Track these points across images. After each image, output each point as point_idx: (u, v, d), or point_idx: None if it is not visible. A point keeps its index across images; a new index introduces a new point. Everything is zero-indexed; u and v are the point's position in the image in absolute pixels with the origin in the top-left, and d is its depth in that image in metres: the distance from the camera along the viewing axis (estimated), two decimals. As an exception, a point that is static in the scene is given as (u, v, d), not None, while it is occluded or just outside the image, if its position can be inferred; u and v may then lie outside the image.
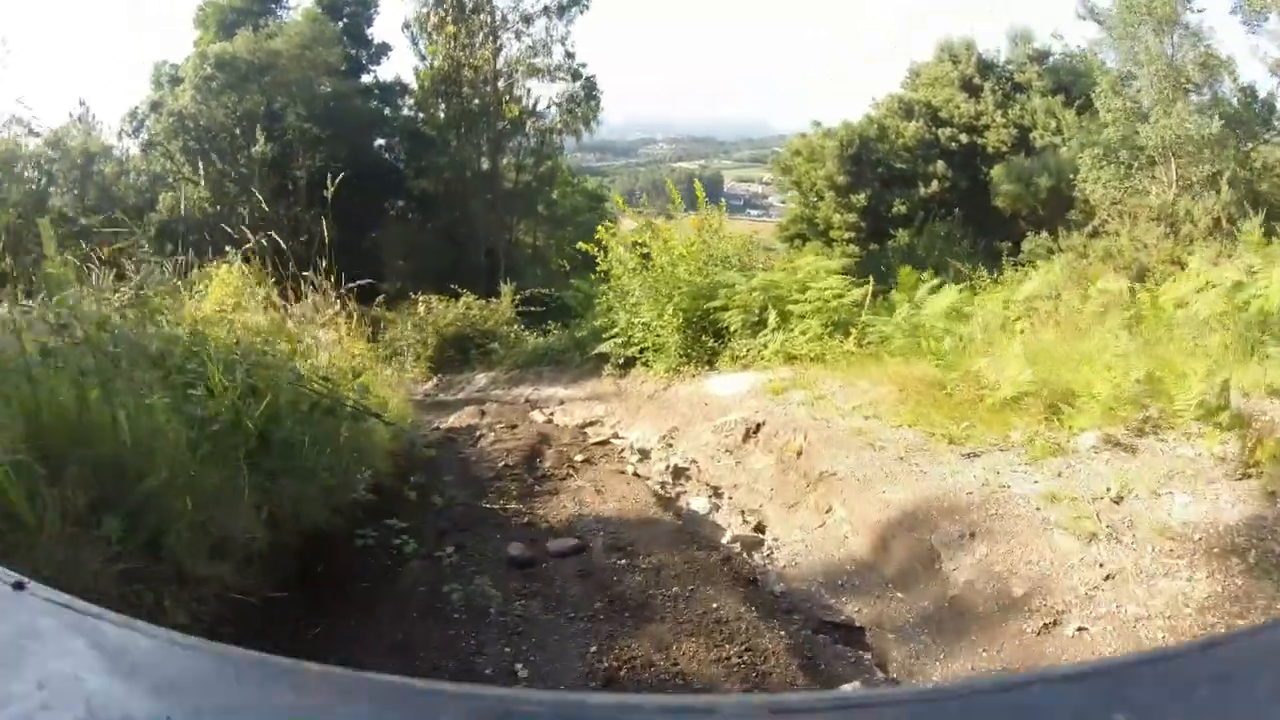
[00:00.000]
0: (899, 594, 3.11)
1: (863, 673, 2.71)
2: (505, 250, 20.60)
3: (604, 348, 8.03)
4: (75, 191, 17.93)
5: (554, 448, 5.71)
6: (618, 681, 2.46)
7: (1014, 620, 2.66)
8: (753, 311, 6.85)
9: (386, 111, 21.62)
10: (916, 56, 23.14)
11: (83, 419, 2.24)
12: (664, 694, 2.35)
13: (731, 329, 6.92)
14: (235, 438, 2.67)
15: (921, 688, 2.26)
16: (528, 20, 20.58)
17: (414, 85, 21.43)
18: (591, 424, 6.93)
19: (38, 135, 17.41)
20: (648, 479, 5.11)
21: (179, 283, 4.35)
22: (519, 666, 2.59)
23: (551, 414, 7.59)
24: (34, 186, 17.07)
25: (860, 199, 18.21)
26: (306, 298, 5.44)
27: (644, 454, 5.73)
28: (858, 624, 3.08)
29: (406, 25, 21.18)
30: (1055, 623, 2.57)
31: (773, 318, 6.64)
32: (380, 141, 21.78)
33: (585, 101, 21.23)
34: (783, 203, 24.67)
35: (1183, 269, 7.78)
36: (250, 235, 4.90)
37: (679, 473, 5.23)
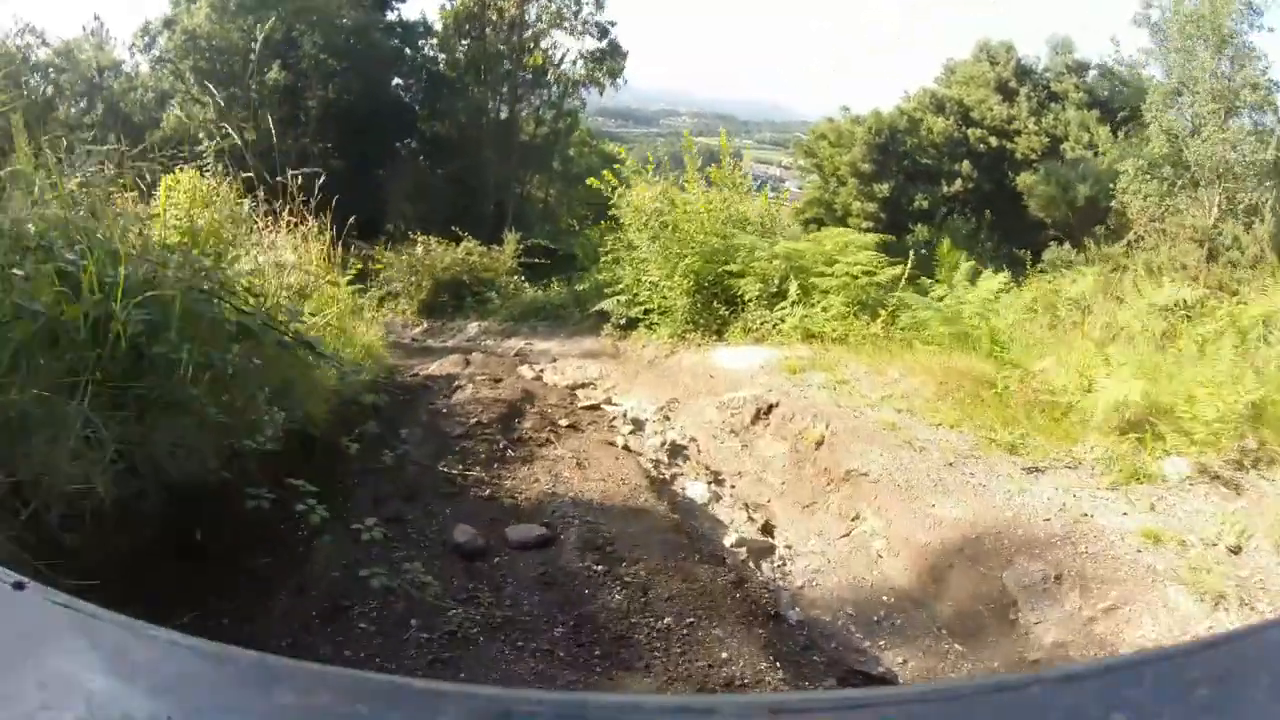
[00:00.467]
0: (957, 645, 2.47)
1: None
2: (515, 203, 19.70)
3: (605, 305, 7.38)
4: (82, 104, 17.64)
5: (537, 408, 5.02)
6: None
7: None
8: (772, 281, 6.20)
9: (407, 50, 20.53)
10: (919, 48, 22.41)
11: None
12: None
13: (747, 298, 6.29)
14: (89, 351, 1.97)
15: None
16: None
17: (438, 25, 20.38)
18: (583, 386, 6.25)
19: (49, 45, 17.24)
20: (639, 454, 4.47)
21: (138, 181, 3.66)
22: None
23: (541, 371, 6.90)
24: (37, 97, 16.45)
25: (883, 189, 17.78)
26: (280, 217, 5.06)
27: (638, 425, 5.09)
28: (902, 682, 2.40)
29: (435, -41, 20.08)
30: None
31: (794, 290, 5.99)
32: (397, 80, 20.69)
33: (611, 56, 20.25)
34: (800, 188, 23.99)
35: (1232, 295, 7.20)
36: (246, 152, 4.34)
37: (675, 451, 4.60)
